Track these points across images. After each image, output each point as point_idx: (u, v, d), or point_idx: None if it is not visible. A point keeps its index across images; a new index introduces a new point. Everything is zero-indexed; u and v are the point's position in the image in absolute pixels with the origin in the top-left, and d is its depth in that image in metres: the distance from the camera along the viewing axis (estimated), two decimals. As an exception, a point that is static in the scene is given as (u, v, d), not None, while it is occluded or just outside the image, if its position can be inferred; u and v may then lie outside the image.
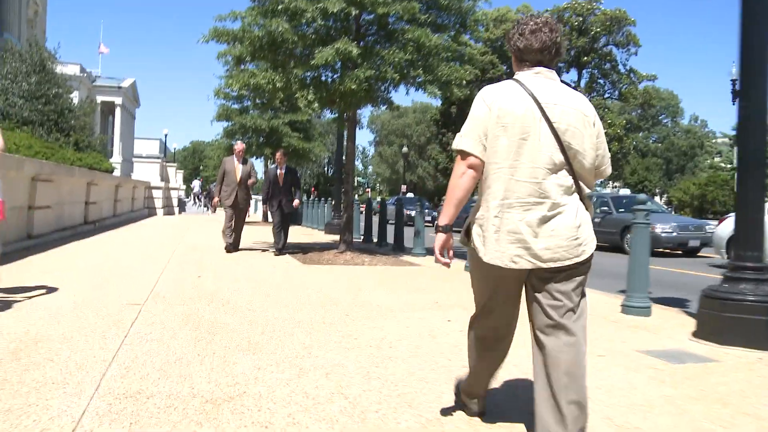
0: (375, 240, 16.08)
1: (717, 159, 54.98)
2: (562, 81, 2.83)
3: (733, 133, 52.02)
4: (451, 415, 3.24)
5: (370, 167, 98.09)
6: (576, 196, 2.71)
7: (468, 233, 2.81)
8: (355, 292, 7.34)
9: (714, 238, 13.83)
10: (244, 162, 12.54)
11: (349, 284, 8.09)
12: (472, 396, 3.20)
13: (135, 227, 19.84)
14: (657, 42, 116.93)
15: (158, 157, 45.73)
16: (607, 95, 58.00)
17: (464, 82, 12.11)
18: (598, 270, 5.70)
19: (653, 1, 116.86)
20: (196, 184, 57.49)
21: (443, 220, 2.79)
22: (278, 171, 12.38)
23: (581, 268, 2.69)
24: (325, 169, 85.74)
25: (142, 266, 9.05)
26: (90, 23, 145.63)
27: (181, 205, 41.52)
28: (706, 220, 18.79)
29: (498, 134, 2.65)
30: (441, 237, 2.81)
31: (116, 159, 43.11)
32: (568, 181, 2.67)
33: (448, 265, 2.87)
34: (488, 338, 2.96)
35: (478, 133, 2.68)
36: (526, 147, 2.63)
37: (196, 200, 52.32)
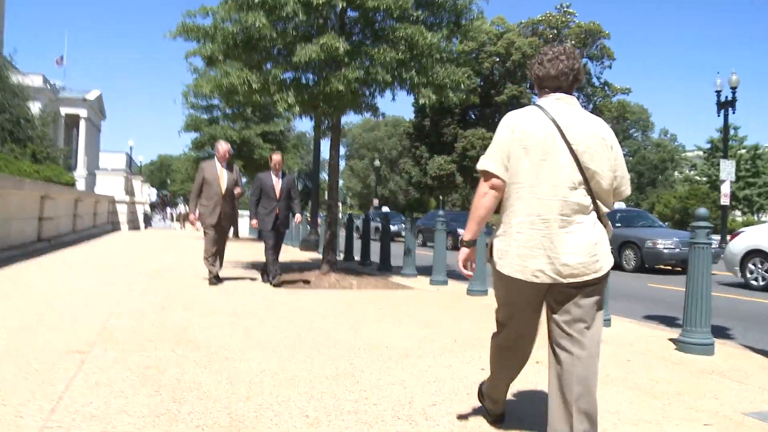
0: (357, 258, 14.78)
1: (691, 172, 54.57)
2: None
3: (708, 146, 52.22)
4: None
5: (341, 181, 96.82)
6: (594, 214, 2.81)
7: (491, 251, 2.90)
8: (354, 327, 6.09)
9: (726, 255, 12.83)
10: (229, 168, 9.64)
11: (344, 315, 6.84)
12: (495, 400, 3.33)
13: (96, 244, 18.28)
14: (629, 55, 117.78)
15: (123, 170, 43.93)
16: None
17: (462, 85, 10.97)
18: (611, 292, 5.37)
19: (626, 14, 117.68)
20: (151, 192, 51.26)
21: (468, 235, 2.98)
22: (273, 179, 9.62)
23: (599, 285, 2.81)
24: (296, 183, 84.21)
25: (96, 294, 7.68)
26: (54, 34, 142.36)
27: (147, 220, 39.82)
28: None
29: (520, 156, 2.79)
30: (465, 251, 3.02)
31: (80, 172, 41.35)
32: (587, 200, 2.78)
33: (471, 276, 3.06)
34: (510, 348, 3.09)
35: (501, 156, 2.82)
36: (546, 167, 2.76)
37: (155, 212, 50.04)
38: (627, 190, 2.92)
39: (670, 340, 5.95)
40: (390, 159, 77.06)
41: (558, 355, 2.80)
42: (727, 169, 24.41)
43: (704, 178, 49.46)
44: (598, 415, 2.76)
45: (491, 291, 9.24)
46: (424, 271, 12.21)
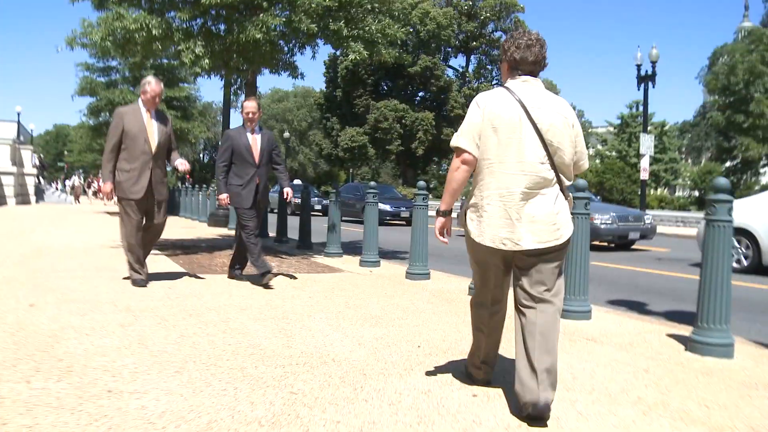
0: (272, 235, 13.32)
1: (602, 147, 55.48)
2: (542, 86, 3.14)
3: (618, 122, 52.99)
4: None
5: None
6: (557, 187, 3.08)
7: (464, 218, 3.20)
8: (283, 328, 4.76)
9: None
10: (161, 118, 6.67)
11: (268, 308, 5.49)
12: (476, 365, 3.47)
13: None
14: (542, 29, 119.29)
15: (11, 139, 40.29)
16: (495, 82, 57.35)
17: (398, 41, 9.69)
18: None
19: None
20: (33, 158, 42.37)
21: (443, 206, 3.27)
22: (249, 136, 6.93)
23: (560, 251, 3.09)
24: (201, 155, 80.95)
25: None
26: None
27: (39, 194, 36.73)
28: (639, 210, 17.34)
29: (489, 134, 3.05)
30: (441, 220, 3.30)
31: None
32: (550, 174, 3.04)
33: (446, 243, 3.37)
34: (486, 304, 3.31)
35: (472, 134, 3.08)
36: (513, 145, 3.01)
37: (48, 183, 45.96)
38: (585, 164, 3.21)
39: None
40: (299, 131, 75.15)
41: (522, 312, 3.08)
42: (647, 143, 24.17)
43: (614, 153, 50.20)
44: None
45: (435, 275, 8.12)
46: (349, 249, 10.95)
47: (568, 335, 4.89)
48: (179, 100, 21.93)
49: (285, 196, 7.12)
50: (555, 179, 3.05)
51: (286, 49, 10.15)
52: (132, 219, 6.42)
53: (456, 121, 52.85)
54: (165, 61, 21.89)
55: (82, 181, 50.74)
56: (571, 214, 4.08)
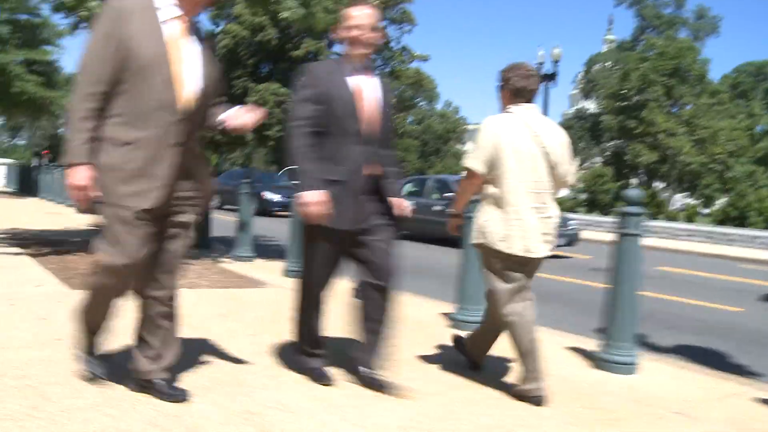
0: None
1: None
2: None
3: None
4: None
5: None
6: (554, 201, 3.58)
7: (480, 234, 3.54)
8: (242, 415, 3.08)
9: None
10: (199, 36, 3.05)
11: (191, 365, 3.75)
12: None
13: None
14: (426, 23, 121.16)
15: None
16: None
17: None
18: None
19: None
20: None
21: (460, 209, 3.89)
22: (351, 80, 3.43)
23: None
24: (60, 130, 74.63)
25: None
26: None
27: None
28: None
29: (501, 156, 3.42)
30: (457, 219, 3.92)
31: None
32: (552, 189, 3.55)
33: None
34: (515, 299, 3.55)
35: (484, 157, 3.46)
36: (525, 165, 3.42)
37: None
38: (572, 178, 3.67)
39: (571, 349, 4.69)
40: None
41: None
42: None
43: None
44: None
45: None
46: (258, 248, 9.15)
47: (644, 404, 3.56)
48: (42, 63, 18.91)
49: (400, 208, 3.54)
50: (554, 194, 3.58)
51: None
52: (128, 245, 2.91)
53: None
54: (24, 17, 18.85)
55: None
56: (624, 233, 4.17)
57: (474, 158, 3.48)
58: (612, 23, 70.48)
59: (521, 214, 3.39)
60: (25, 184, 23.05)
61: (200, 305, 5.33)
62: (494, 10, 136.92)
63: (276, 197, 21.26)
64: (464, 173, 3.59)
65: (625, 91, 37.46)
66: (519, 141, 3.41)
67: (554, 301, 7.59)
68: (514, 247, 3.39)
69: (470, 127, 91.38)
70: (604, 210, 31.94)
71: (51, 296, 5.22)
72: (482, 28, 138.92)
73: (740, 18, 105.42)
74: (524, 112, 3.52)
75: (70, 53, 60.64)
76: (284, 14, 7.20)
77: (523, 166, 3.40)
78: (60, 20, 8.77)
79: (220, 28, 43.90)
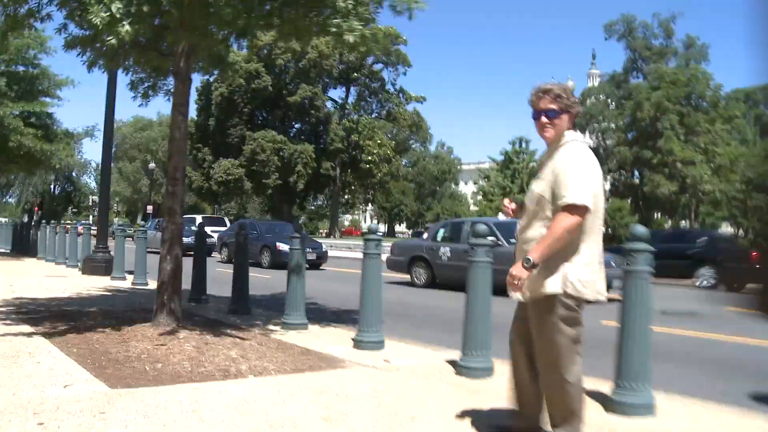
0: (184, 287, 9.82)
1: (484, 183, 55.02)
2: None
3: (501, 159, 52.38)
4: None
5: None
6: None
7: (564, 281, 3.00)
8: None
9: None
10: None
11: None
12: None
13: None
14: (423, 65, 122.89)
15: None
16: (374, 114, 55.38)
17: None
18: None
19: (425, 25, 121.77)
20: None
21: (539, 260, 2.96)
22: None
23: None
24: (51, 186, 73.30)
25: None
26: None
27: None
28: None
29: (598, 191, 3.03)
30: (528, 273, 2.99)
31: None
32: None
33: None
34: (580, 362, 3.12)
35: (593, 189, 2.99)
36: (601, 197, 3.10)
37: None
38: None
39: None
40: (165, 162, 69.91)
41: None
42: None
43: (496, 189, 49.41)
44: None
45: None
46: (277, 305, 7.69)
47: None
48: (39, 115, 17.68)
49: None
50: None
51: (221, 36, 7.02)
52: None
53: (335, 155, 50.18)
54: (21, 68, 17.72)
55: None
56: (631, 270, 3.96)
57: (585, 193, 2.93)
58: (595, 57, 72.88)
59: (601, 257, 3.09)
60: (21, 244, 21.59)
61: (289, 403, 3.98)
62: (478, 45, 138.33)
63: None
64: (563, 214, 2.92)
65: (642, 121, 36.53)
66: (600, 173, 3.12)
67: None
68: (596, 291, 3.05)
69: (464, 167, 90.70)
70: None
71: (89, 404, 3.85)
72: (465, 66, 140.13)
73: (727, 45, 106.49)
74: (583, 139, 3.17)
75: (70, 104, 58.87)
76: (349, 38, 5.92)
77: (600, 202, 3.07)
78: (72, 59, 7.52)
79: (214, 77, 42.83)
